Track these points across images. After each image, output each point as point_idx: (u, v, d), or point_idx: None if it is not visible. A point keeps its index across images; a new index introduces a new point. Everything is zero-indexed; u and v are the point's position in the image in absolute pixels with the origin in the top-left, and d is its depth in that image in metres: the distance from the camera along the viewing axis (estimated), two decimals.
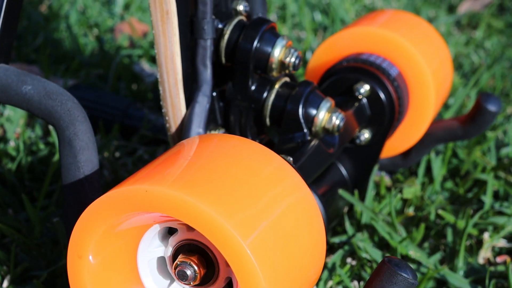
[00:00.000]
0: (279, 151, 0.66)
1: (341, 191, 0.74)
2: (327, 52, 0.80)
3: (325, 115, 0.67)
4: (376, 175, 0.85)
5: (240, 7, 0.68)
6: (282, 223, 0.48)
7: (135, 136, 0.94)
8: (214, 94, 0.68)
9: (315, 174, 0.66)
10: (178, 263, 0.51)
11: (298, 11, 1.37)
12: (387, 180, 0.87)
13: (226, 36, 0.66)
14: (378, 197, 0.82)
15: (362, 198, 0.79)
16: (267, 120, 0.67)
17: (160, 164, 0.49)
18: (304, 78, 0.83)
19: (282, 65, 0.66)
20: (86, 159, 0.56)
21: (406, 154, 0.84)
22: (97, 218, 0.47)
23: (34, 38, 1.20)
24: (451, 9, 1.51)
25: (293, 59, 0.66)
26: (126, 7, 1.38)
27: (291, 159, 0.62)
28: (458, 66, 1.23)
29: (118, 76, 1.08)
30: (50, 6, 1.33)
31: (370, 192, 0.78)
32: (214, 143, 0.50)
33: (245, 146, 0.51)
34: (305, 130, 0.66)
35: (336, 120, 0.67)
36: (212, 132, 0.67)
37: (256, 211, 0.46)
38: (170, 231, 0.53)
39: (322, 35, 1.32)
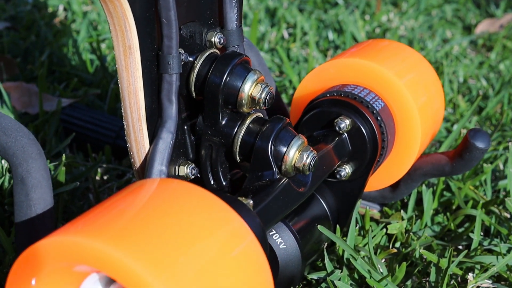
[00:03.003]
0: (246, 190, 0.64)
1: (320, 227, 0.72)
2: (312, 83, 0.78)
3: (296, 154, 0.65)
4: (361, 207, 0.83)
5: (215, 39, 0.67)
6: (218, 279, 0.46)
7: (125, 158, 0.94)
8: (186, 127, 0.66)
9: (281, 215, 0.64)
10: None
11: (310, 30, 1.35)
12: (375, 212, 0.85)
13: (196, 70, 0.64)
14: (363, 230, 0.80)
15: (345, 232, 0.77)
16: (237, 156, 0.65)
17: (96, 214, 0.47)
18: (289, 109, 0.81)
19: (253, 100, 0.64)
20: (39, 197, 0.55)
21: (395, 187, 0.82)
22: (28, 268, 0.46)
23: (40, 54, 1.20)
24: (468, 29, 1.48)
25: (263, 95, 0.64)
26: None
27: (251, 202, 0.60)
28: (467, 90, 1.20)
29: (116, 96, 1.08)
30: (62, 21, 1.33)
31: (352, 228, 0.76)
32: (156, 190, 0.49)
33: (187, 194, 0.49)
34: (274, 169, 0.64)
35: (307, 159, 0.65)
36: (181, 167, 0.65)
37: (187, 267, 0.45)
38: None
39: (332, 54, 1.30)
